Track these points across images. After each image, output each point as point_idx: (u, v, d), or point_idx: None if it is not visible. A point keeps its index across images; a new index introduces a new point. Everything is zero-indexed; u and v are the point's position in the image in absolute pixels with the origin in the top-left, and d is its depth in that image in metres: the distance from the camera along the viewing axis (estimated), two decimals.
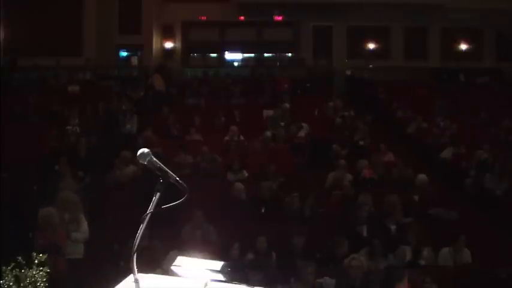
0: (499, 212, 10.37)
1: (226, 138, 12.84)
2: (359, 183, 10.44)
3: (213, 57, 25.78)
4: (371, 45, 23.99)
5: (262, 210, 9.31)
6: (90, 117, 13.70)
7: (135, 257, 2.37)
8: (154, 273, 2.53)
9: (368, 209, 9.01)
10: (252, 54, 25.21)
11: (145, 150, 2.51)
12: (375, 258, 7.70)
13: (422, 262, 7.88)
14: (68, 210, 7.35)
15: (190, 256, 2.56)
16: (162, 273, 2.60)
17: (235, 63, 25.16)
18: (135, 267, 2.36)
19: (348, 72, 21.76)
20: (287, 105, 15.14)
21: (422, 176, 10.46)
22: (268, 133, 13.07)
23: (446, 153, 13.05)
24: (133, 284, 2.34)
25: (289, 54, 25.07)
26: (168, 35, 24.54)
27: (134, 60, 24.26)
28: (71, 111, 13.29)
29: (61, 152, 10.59)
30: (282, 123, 13.92)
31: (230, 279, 2.44)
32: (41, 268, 2.62)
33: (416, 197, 10.03)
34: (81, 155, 10.89)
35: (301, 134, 13.16)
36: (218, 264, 2.46)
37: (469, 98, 18.03)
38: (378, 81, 19.92)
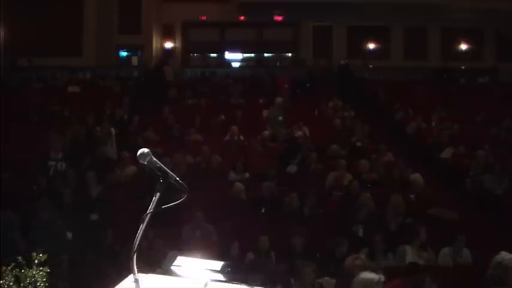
0: (499, 212, 10.36)
1: (226, 138, 12.84)
2: (359, 183, 10.41)
3: (213, 57, 25.81)
4: (371, 45, 24.01)
5: (262, 210, 9.31)
6: (73, 147, 11.30)
7: (135, 257, 2.37)
8: (154, 273, 2.53)
9: (368, 209, 9.00)
10: (252, 54, 25.24)
11: (145, 150, 2.50)
12: (376, 258, 7.70)
13: (422, 262, 7.87)
14: None
15: (190, 256, 2.56)
16: (162, 273, 2.60)
17: (235, 63, 25.17)
18: (135, 267, 2.36)
19: (342, 62, 21.44)
20: (280, 99, 14.99)
21: (416, 175, 10.44)
22: (267, 132, 13.06)
23: (446, 153, 13.04)
24: (133, 284, 2.34)
25: (289, 54, 25.09)
26: (168, 35, 24.57)
27: (134, 60, 24.29)
28: (52, 140, 10.37)
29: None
30: (280, 118, 13.84)
31: (230, 279, 2.44)
32: (41, 268, 2.62)
33: (412, 196, 10.01)
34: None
35: (298, 135, 13.13)
36: (218, 264, 2.46)
37: (469, 98, 18.01)
38: (377, 80, 19.89)
